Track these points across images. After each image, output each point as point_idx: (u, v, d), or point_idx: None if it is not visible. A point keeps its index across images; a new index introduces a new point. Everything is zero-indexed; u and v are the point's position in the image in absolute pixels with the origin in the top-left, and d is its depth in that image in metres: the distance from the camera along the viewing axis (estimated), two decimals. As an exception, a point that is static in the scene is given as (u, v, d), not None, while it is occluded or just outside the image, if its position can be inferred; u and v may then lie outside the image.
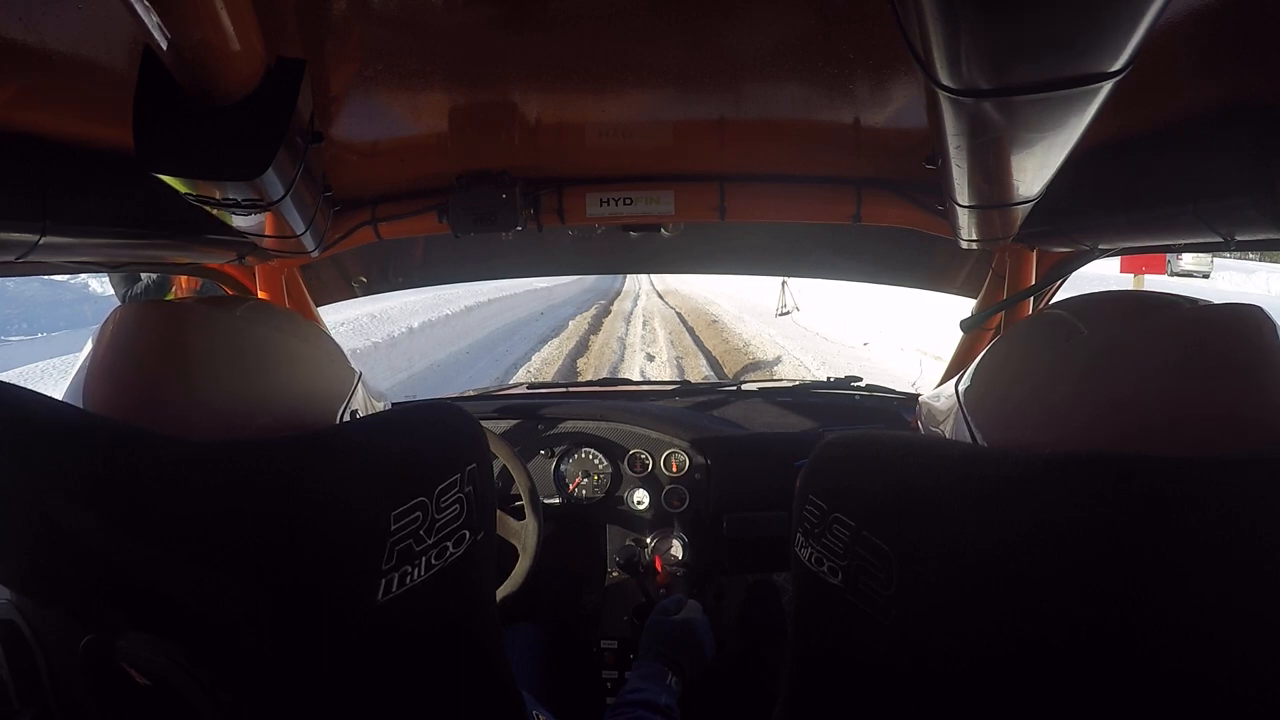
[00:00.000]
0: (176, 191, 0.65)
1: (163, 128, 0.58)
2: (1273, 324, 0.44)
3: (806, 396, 1.88)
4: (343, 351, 0.64)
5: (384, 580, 0.47)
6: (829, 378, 2.04)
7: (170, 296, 2.87)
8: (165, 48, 0.48)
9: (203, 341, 0.52)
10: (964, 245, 1.02)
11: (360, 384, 0.64)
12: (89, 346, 0.54)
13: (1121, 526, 0.38)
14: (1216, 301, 0.46)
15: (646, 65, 0.77)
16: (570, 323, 13.51)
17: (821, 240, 1.66)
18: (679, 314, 15.27)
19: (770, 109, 0.91)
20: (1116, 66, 0.37)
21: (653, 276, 22.74)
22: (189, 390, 0.50)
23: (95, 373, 0.51)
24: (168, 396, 0.50)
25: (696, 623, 1.15)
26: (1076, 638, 0.38)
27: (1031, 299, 1.29)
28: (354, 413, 0.62)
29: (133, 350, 0.51)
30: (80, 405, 0.50)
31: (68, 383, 0.53)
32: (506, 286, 13.66)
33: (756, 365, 8.70)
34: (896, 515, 0.45)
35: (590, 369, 8.73)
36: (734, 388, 2.03)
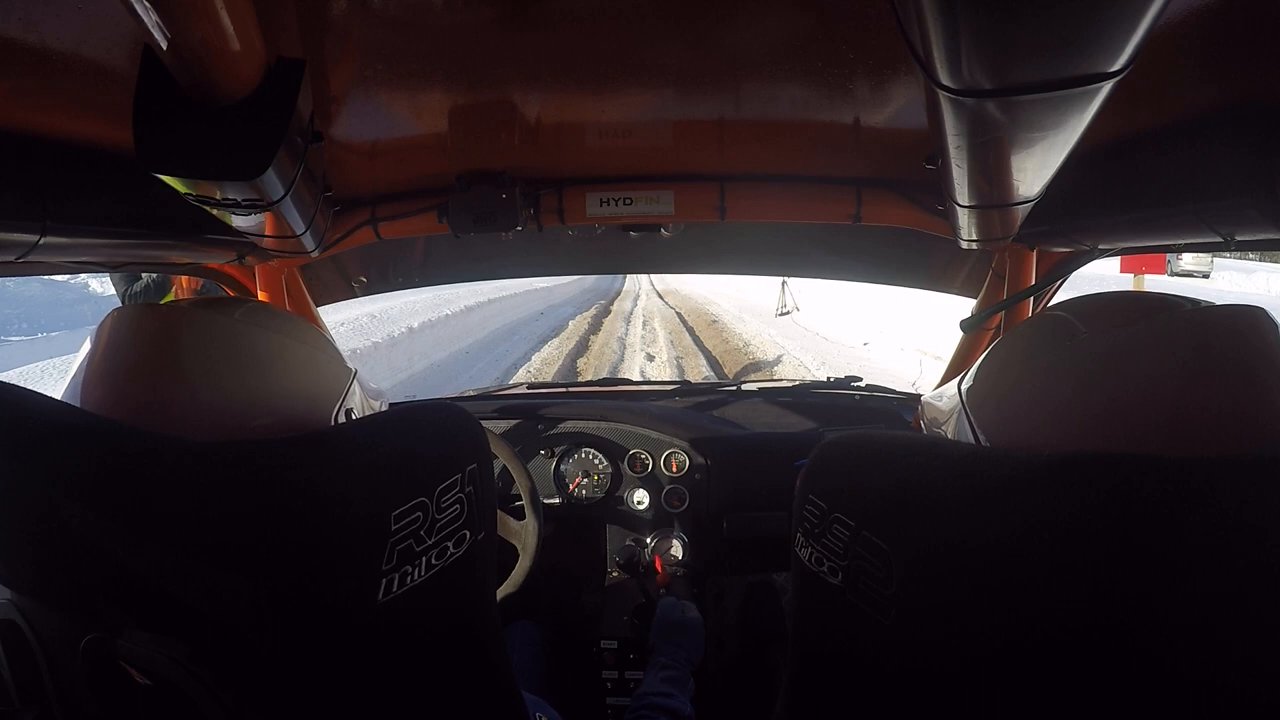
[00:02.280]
0: (176, 191, 0.65)
1: (163, 128, 0.58)
2: (1274, 325, 0.44)
3: (806, 396, 1.88)
4: (338, 351, 0.64)
5: (385, 580, 0.47)
6: (829, 378, 2.04)
7: (170, 297, 2.87)
8: (165, 48, 0.48)
9: (198, 344, 0.52)
10: (964, 245, 1.02)
11: (356, 382, 0.64)
12: (85, 349, 0.53)
13: (1121, 526, 0.38)
14: (1217, 302, 0.46)
15: (646, 65, 0.77)
16: (570, 323, 13.51)
17: (821, 240, 1.66)
18: (679, 314, 15.27)
19: (770, 109, 0.91)
20: (1116, 66, 0.37)
21: (653, 276, 22.75)
22: (184, 393, 0.50)
23: (91, 376, 0.51)
24: (163, 399, 0.50)
25: (699, 623, 1.17)
26: (1077, 637, 0.38)
27: (1031, 299, 1.29)
28: (349, 411, 0.62)
29: (128, 353, 0.51)
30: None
31: (65, 385, 0.53)
32: (506, 286, 13.66)
33: (756, 365, 8.70)
34: (896, 515, 0.45)
35: (590, 369, 8.73)
36: (734, 388, 2.03)
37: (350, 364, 0.66)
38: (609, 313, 15.63)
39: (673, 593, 1.48)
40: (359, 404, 0.64)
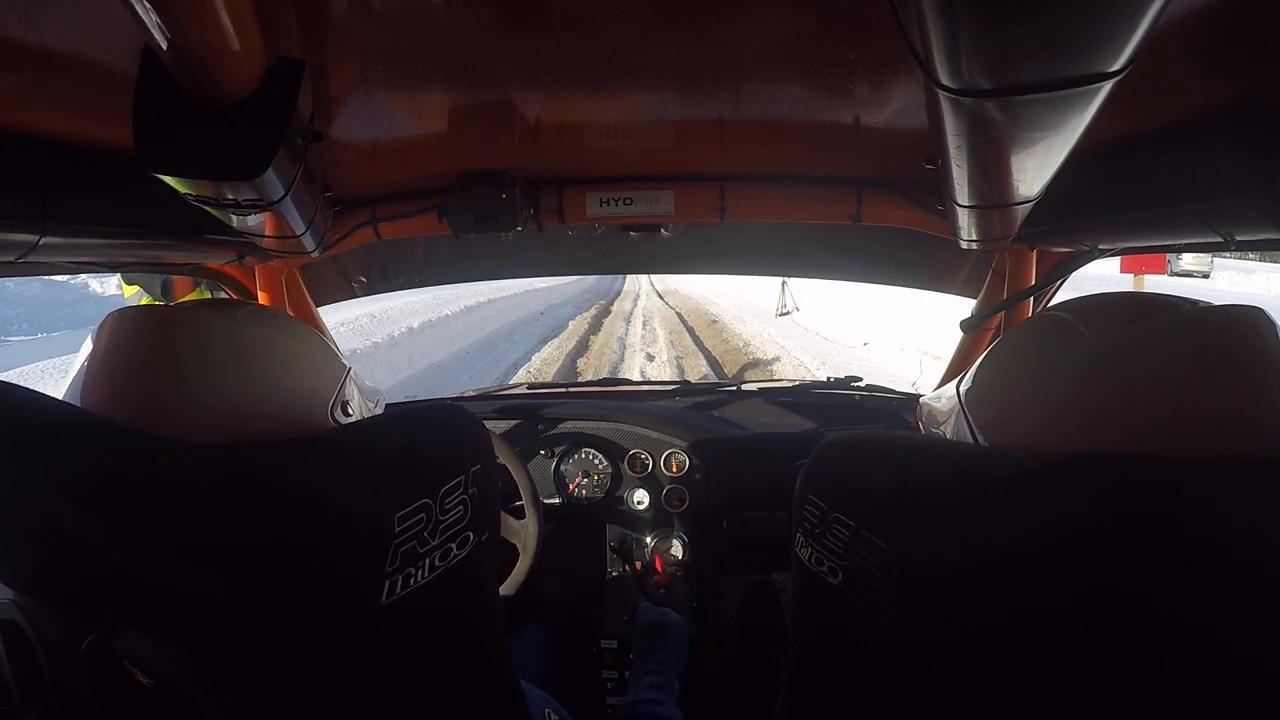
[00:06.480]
0: (176, 191, 0.65)
1: (163, 128, 0.58)
2: (1273, 325, 0.44)
3: (806, 396, 1.88)
4: (333, 349, 0.64)
5: (388, 582, 0.47)
6: (829, 378, 2.04)
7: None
8: (165, 48, 0.48)
9: (198, 344, 0.52)
10: (964, 245, 1.02)
11: (350, 378, 0.64)
12: (86, 349, 0.53)
13: (1121, 526, 0.38)
14: (1217, 302, 0.46)
15: (646, 65, 0.77)
16: (570, 323, 13.50)
17: (821, 240, 1.67)
18: (679, 314, 15.25)
19: (770, 109, 0.91)
20: (1116, 66, 0.37)
21: (653, 277, 22.74)
22: (184, 393, 0.50)
23: (92, 377, 0.51)
24: (164, 400, 0.50)
25: (680, 627, 1.20)
26: (1076, 637, 0.38)
27: (1031, 299, 1.29)
28: (345, 404, 0.62)
29: (129, 354, 0.51)
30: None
31: (66, 385, 0.53)
32: (506, 287, 13.65)
33: (756, 365, 8.69)
34: (896, 515, 0.45)
35: (590, 369, 8.73)
36: (734, 388, 2.03)
37: (346, 362, 0.66)
38: (609, 313, 15.62)
39: (673, 593, 1.49)
40: (357, 401, 0.64)
